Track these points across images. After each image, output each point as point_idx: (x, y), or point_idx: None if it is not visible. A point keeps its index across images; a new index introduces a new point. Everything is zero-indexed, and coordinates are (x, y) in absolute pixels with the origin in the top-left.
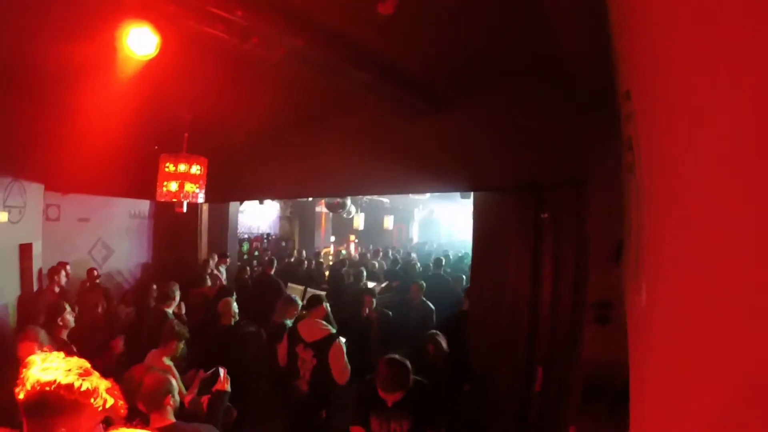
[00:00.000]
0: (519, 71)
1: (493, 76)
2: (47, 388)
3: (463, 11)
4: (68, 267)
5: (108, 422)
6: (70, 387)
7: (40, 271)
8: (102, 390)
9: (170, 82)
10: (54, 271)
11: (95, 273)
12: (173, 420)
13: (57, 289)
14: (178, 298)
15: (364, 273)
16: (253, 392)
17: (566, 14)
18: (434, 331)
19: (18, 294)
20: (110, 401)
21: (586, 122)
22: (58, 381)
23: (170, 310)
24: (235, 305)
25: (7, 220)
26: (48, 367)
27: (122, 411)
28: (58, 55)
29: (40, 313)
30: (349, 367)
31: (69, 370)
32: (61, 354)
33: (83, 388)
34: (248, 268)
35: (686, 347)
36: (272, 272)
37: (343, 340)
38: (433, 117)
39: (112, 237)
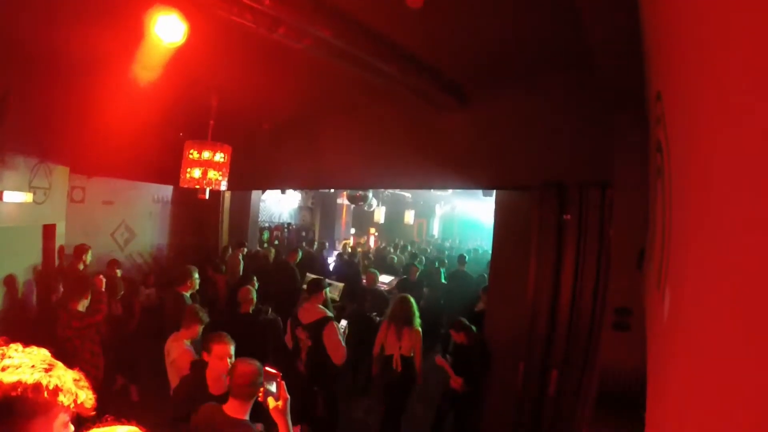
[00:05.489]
0: (547, 69)
1: (520, 72)
2: (12, 393)
3: (492, 6)
4: (90, 250)
5: (80, 421)
6: (38, 387)
7: (61, 248)
8: (70, 384)
9: (197, 69)
10: (81, 250)
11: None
12: (246, 418)
13: (81, 267)
14: (196, 282)
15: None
16: None
17: (597, 11)
18: (461, 318)
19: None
20: (81, 395)
21: (614, 123)
22: (24, 382)
23: (187, 294)
24: (254, 293)
25: (32, 201)
26: (9, 366)
27: (92, 402)
28: (86, 41)
29: (59, 283)
30: (344, 347)
31: (33, 366)
32: (19, 346)
33: (51, 386)
34: (270, 255)
35: (711, 358)
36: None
37: (344, 323)
38: (457, 112)
39: (135, 220)
